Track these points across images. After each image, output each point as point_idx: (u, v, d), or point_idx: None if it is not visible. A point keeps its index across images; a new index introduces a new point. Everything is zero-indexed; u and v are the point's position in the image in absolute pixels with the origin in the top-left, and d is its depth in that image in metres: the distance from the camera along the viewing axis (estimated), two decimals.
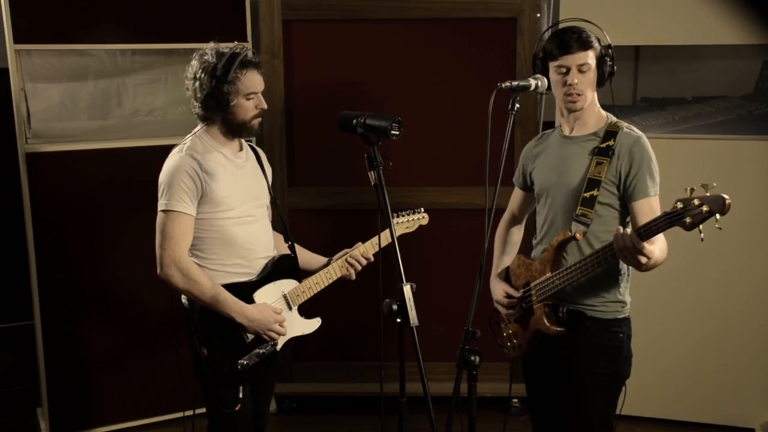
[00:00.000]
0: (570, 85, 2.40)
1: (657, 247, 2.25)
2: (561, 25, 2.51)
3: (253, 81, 2.55)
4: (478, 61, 3.69)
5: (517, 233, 2.82)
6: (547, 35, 2.52)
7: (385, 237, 2.52)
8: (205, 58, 2.53)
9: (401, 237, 2.89)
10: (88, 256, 3.62)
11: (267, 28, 3.67)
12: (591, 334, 2.45)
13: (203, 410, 2.67)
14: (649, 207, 2.38)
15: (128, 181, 3.57)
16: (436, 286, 3.71)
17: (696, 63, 3.71)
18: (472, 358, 2.15)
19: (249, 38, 3.69)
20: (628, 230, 2.20)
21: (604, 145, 2.42)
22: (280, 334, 2.60)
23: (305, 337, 2.74)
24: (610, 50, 2.46)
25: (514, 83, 2.32)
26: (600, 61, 2.43)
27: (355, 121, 2.19)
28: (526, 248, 2.75)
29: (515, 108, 2.30)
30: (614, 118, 2.50)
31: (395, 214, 2.86)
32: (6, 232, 4.09)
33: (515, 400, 3.90)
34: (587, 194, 2.40)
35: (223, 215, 2.55)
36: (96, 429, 3.71)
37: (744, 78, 3.62)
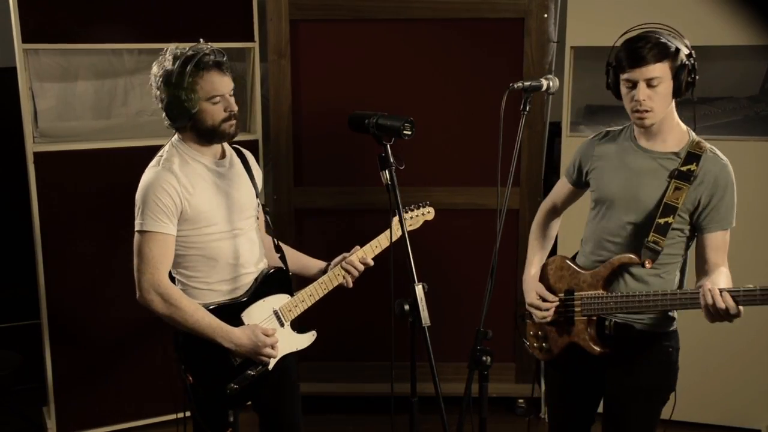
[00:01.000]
0: (637, 101, 2.22)
1: (723, 280, 2.13)
2: (636, 32, 2.30)
3: (214, 83, 2.34)
4: (485, 61, 3.68)
5: (555, 226, 2.67)
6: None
7: (387, 237, 2.37)
8: (164, 64, 2.35)
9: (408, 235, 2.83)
10: (95, 256, 3.61)
11: (274, 28, 3.66)
12: (639, 347, 2.35)
13: None
14: (723, 241, 2.26)
15: (134, 181, 3.54)
16: (441, 286, 3.69)
17: (701, 64, 3.64)
18: (484, 358, 2.15)
19: (256, 38, 3.70)
20: (722, 292, 2.04)
21: (684, 168, 2.24)
22: (271, 357, 2.45)
23: None
24: (691, 59, 2.26)
25: (527, 84, 2.28)
26: (677, 71, 2.22)
27: (367, 121, 2.17)
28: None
29: (527, 108, 2.26)
30: (695, 136, 2.32)
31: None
32: (13, 231, 4.08)
33: (521, 401, 3.90)
34: (662, 221, 2.23)
35: (204, 231, 2.41)
36: (102, 428, 3.71)
37: (750, 79, 3.62)
